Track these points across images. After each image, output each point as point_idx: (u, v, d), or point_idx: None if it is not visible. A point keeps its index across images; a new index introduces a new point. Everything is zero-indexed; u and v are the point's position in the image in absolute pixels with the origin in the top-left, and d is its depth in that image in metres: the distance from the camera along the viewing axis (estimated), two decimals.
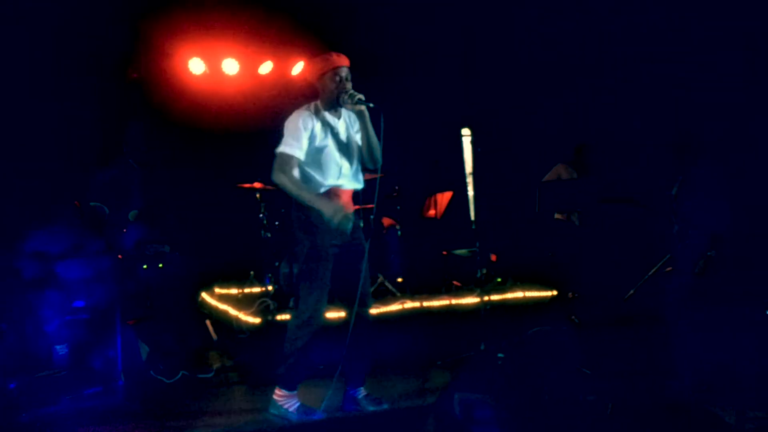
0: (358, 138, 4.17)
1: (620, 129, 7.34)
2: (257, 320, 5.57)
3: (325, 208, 3.90)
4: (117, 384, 4.58)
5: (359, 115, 4.02)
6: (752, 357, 4.30)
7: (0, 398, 4.33)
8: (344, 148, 4.12)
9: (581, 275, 6.46)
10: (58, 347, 4.96)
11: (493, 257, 7.11)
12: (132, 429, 4.09)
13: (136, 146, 6.33)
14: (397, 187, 6.91)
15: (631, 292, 6.09)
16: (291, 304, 5.86)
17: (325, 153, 4.04)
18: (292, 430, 3.96)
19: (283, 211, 6.55)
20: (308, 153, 4.01)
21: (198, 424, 4.14)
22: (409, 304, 5.97)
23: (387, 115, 4.00)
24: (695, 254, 4.74)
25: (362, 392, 4.21)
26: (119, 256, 5.49)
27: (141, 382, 4.76)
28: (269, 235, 6.65)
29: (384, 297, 6.19)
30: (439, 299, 6.13)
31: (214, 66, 8.02)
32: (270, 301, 5.94)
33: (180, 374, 4.95)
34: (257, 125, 7.83)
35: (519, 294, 6.39)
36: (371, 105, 3.97)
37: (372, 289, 4.78)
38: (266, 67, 8.30)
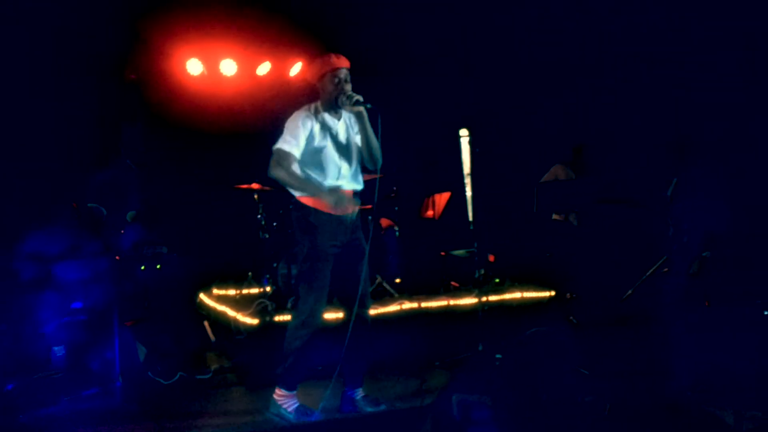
0: (358, 139, 4.17)
1: (620, 129, 7.34)
2: (255, 321, 5.56)
3: (326, 196, 3.94)
4: (115, 385, 4.57)
5: (358, 116, 4.04)
6: (750, 357, 4.30)
7: None
8: (343, 149, 4.13)
9: (579, 276, 6.46)
10: (55, 348, 4.96)
11: (491, 258, 7.10)
12: (130, 430, 4.09)
13: (133, 147, 6.35)
14: (395, 188, 6.91)
15: (629, 292, 6.09)
16: (289, 304, 5.85)
17: (325, 154, 4.05)
18: (290, 431, 3.95)
19: (281, 212, 6.55)
20: (307, 153, 4.02)
21: (196, 425, 4.13)
22: (407, 305, 5.97)
23: (385, 116, 4.01)
24: (690, 255, 4.74)
25: (360, 393, 4.21)
26: (117, 257, 5.49)
27: (139, 383, 4.75)
28: (267, 236, 6.65)
29: (382, 298, 6.19)
30: (437, 300, 6.12)
31: (212, 67, 8.02)
32: (268, 302, 5.93)
33: (178, 375, 4.95)
34: (255, 126, 7.83)
35: (517, 295, 6.38)
36: (369, 106, 3.98)
37: (370, 290, 4.78)
38: (264, 68, 8.30)
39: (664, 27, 6.93)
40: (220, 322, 6.11)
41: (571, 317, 6.03)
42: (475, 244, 5.43)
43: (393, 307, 5.90)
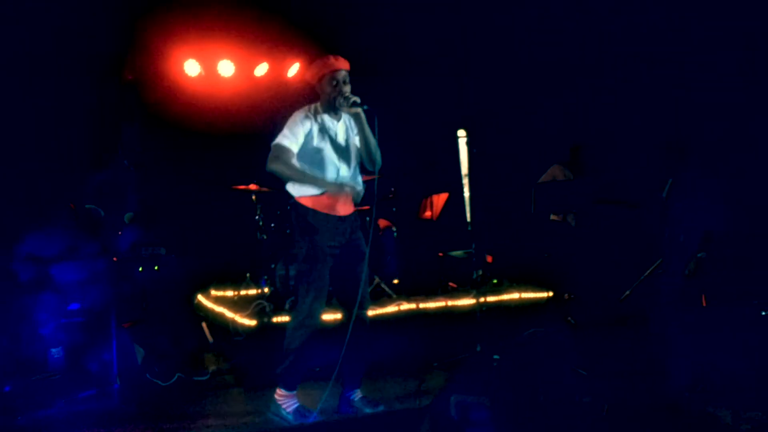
0: (357, 140, 4.18)
1: (620, 129, 7.34)
2: (253, 322, 5.55)
3: (328, 184, 3.98)
4: (112, 387, 4.57)
5: (356, 117, 4.05)
6: (748, 357, 4.30)
7: None
8: (342, 150, 4.13)
9: (577, 276, 6.46)
10: (53, 350, 4.95)
11: (489, 259, 7.11)
12: None
13: (131, 148, 6.34)
14: (393, 189, 6.91)
15: (627, 293, 6.10)
16: (287, 305, 5.85)
17: (323, 154, 4.06)
18: None
19: (278, 213, 6.54)
20: (306, 154, 4.03)
21: (194, 426, 4.13)
22: (405, 306, 5.97)
23: (383, 117, 4.01)
24: (687, 255, 4.75)
25: (358, 394, 4.21)
26: (114, 259, 5.48)
27: (136, 385, 4.75)
28: (265, 236, 6.65)
29: (380, 299, 6.18)
30: (435, 301, 6.12)
31: (209, 68, 8.01)
32: (266, 303, 5.92)
33: (176, 377, 4.94)
34: (253, 127, 7.82)
35: (515, 295, 6.38)
36: (365, 107, 3.98)
37: (368, 291, 4.78)
38: (262, 69, 8.30)
39: (664, 27, 6.94)
40: (218, 324, 6.10)
41: (569, 318, 6.03)
42: (473, 245, 5.44)
43: (391, 308, 5.90)
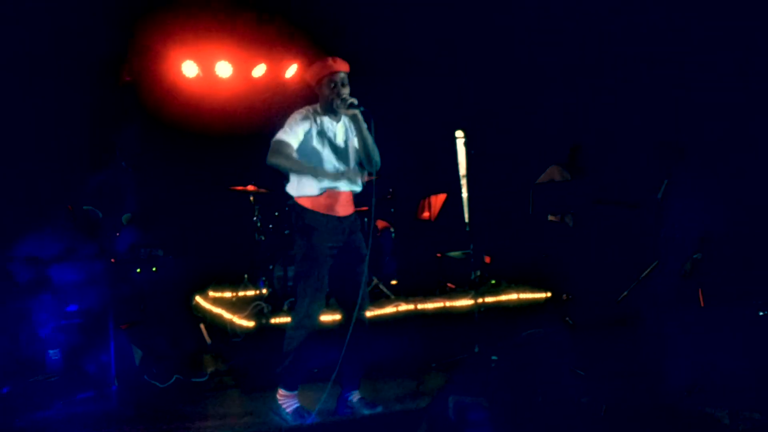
0: (356, 141, 4.18)
1: (620, 129, 7.35)
2: (251, 323, 5.55)
3: (326, 173, 4.00)
4: (110, 389, 4.56)
5: (353, 119, 4.08)
6: (746, 357, 4.31)
7: None
8: (341, 151, 4.14)
9: (575, 277, 6.46)
10: (51, 352, 4.95)
11: (487, 259, 7.11)
12: None
13: (129, 149, 6.33)
14: (391, 190, 6.91)
15: (625, 293, 6.10)
16: (285, 307, 5.85)
17: (322, 155, 4.07)
18: None
19: (276, 214, 6.54)
20: (305, 154, 4.04)
21: (192, 428, 4.13)
22: (404, 307, 5.97)
23: (381, 118, 4.02)
24: (683, 256, 4.76)
25: (356, 395, 4.21)
26: (112, 260, 5.48)
27: (134, 386, 4.74)
28: (263, 238, 6.65)
29: (378, 299, 6.18)
30: (433, 301, 6.12)
31: (207, 69, 8.01)
32: (264, 305, 5.92)
33: (174, 378, 4.94)
34: (251, 128, 7.81)
35: (513, 296, 6.38)
36: (362, 109, 3.99)
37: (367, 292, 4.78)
38: (260, 70, 8.29)
39: (664, 27, 6.94)
40: (216, 325, 6.10)
41: (568, 318, 6.04)
42: (471, 246, 5.43)
43: (389, 309, 5.90)
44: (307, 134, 4.03)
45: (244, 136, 7.80)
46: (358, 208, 4.29)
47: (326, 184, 4.06)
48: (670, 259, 4.92)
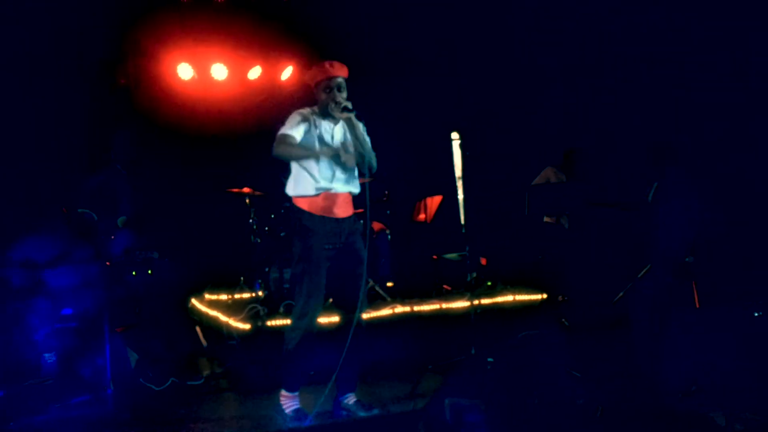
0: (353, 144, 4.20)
1: (620, 129, 7.35)
2: (247, 326, 5.54)
3: (325, 151, 4.03)
4: (106, 392, 4.55)
5: (348, 123, 4.08)
6: (741, 358, 4.32)
7: None
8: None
9: (571, 278, 6.47)
10: (46, 355, 4.93)
11: (483, 261, 7.11)
12: None
13: (124, 152, 6.31)
14: (386, 192, 6.92)
15: (621, 294, 6.10)
16: (281, 309, 5.84)
17: (319, 156, 4.07)
18: None
19: (272, 216, 6.54)
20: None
21: (188, 431, 4.12)
22: (400, 309, 5.97)
23: (378, 119, 4.05)
24: (678, 258, 4.76)
25: (353, 398, 4.21)
26: (107, 263, 5.46)
27: (130, 389, 4.73)
28: (259, 240, 6.64)
29: (374, 302, 6.18)
30: (429, 303, 6.12)
31: (202, 71, 8.00)
32: (260, 307, 5.91)
33: (169, 381, 4.93)
34: (246, 130, 7.82)
35: (509, 297, 6.39)
36: (354, 113, 4.02)
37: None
38: (255, 73, 8.29)
39: (664, 27, 6.95)
40: (212, 328, 6.09)
41: (563, 320, 6.04)
42: (467, 248, 5.43)
43: (385, 311, 5.90)
44: (306, 134, 4.07)
45: (240, 138, 7.81)
46: (354, 210, 4.30)
47: (322, 184, 4.08)
48: (665, 260, 4.92)
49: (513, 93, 7.97)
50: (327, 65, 4.10)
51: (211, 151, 7.78)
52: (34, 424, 4.24)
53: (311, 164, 4.07)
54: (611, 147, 7.28)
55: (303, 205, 4.10)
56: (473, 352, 4.87)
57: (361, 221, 4.21)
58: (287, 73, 8.38)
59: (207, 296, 7.02)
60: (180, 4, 7.81)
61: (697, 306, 5.38)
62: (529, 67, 7.96)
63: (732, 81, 6.48)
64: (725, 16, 6.44)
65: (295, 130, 4.02)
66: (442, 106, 8.24)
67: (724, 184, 6.04)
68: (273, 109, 7.98)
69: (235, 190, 6.59)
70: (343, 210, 4.16)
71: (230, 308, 6.26)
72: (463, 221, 6.78)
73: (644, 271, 5.68)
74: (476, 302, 5.66)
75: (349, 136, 4.20)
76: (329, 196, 4.10)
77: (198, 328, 6.00)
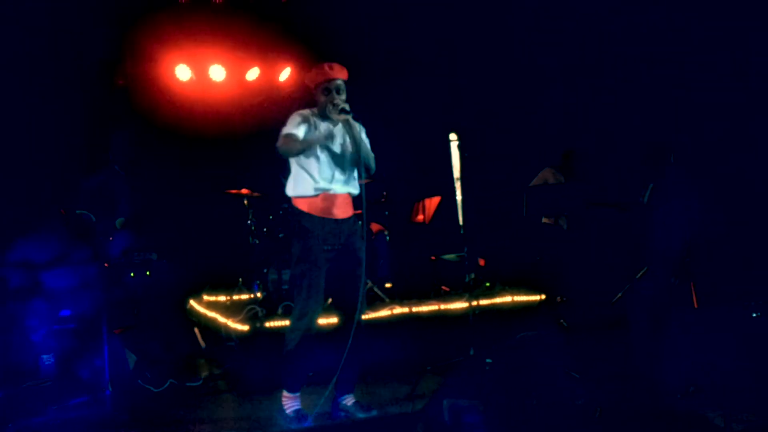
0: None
1: (619, 130, 7.35)
2: (246, 327, 5.54)
3: (323, 137, 4.06)
4: (104, 393, 4.54)
5: (345, 125, 4.08)
6: (739, 359, 4.32)
7: None
8: (337, 154, 4.16)
9: (570, 279, 6.47)
10: (44, 357, 4.92)
11: (482, 262, 7.11)
12: None
13: (122, 153, 6.31)
14: (385, 193, 6.91)
15: (619, 295, 6.11)
16: (280, 310, 5.84)
17: (319, 158, 4.09)
18: None
19: (271, 217, 6.53)
20: (303, 155, 4.08)
21: None
22: (398, 310, 5.96)
23: (376, 119, 4.05)
24: (676, 258, 4.76)
25: (351, 399, 4.22)
26: (106, 264, 5.46)
27: (128, 391, 4.73)
28: (257, 241, 6.63)
29: (373, 303, 6.18)
30: (427, 304, 6.12)
31: (200, 72, 8.00)
32: (258, 308, 5.91)
33: (168, 383, 4.93)
34: (244, 131, 7.82)
35: (507, 298, 6.38)
36: (352, 115, 4.02)
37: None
38: (253, 74, 8.29)
39: (664, 27, 6.95)
40: (211, 329, 6.08)
41: (562, 321, 6.04)
42: (466, 249, 5.42)
43: (384, 312, 5.89)
44: (307, 134, 4.08)
45: (238, 139, 7.81)
46: (355, 212, 4.30)
47: (321, 185, 4.09)
48: (664, 260, 4.92)
49: (513, 93, 7.97)
50: (326, 67, 4.12)
51: (209, 152, 7.77)
52: (32, 426, 4.23)
53: (311, 165, 4.08)
54: (611, 147, 7.28)
55: (302, 206, 4.11)
56: (472, 353, 4.87)
57: (360, 222, 4.21)
58: (285, 74, 8.37)
59: (205, 297, 7.02)
60: (178, 5, 7.81)
61: (696, 306, 5.38)
62: (529, 67, 7.96)
63: (732, 81, 6.49)
64: (725, 16, 6.44)
65: (296, 129, 4.04)
66: (441, 106, 8.24)
67: (724, 184, 6.04)
68: (271, 110, 7.98)
69: (234, 191, 6.59)
70: (343, 211, 4.16)
71: (228, 309, 6.26)
72: (461, 222, 6.78)
73: (642, 272, 5.68)
74: (475, 303, 5.66)
75: (348, 138, 4.21)
76: (328, 197, 4.11)
77: (196, 330, 6.00)
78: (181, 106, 7.95)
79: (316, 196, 4.09)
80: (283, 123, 4.10)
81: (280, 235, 6.30)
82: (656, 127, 6.86)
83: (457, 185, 7.50)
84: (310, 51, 7.78)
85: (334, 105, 4.04)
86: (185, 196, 7.65)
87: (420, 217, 7.80)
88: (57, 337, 5.01)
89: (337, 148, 4.16)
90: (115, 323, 5.02)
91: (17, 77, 6.68)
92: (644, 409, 3.99)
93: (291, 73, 8.35)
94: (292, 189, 4.16)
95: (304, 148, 4.03)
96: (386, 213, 7.03)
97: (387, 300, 6.29)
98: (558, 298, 6.51)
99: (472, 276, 5.69)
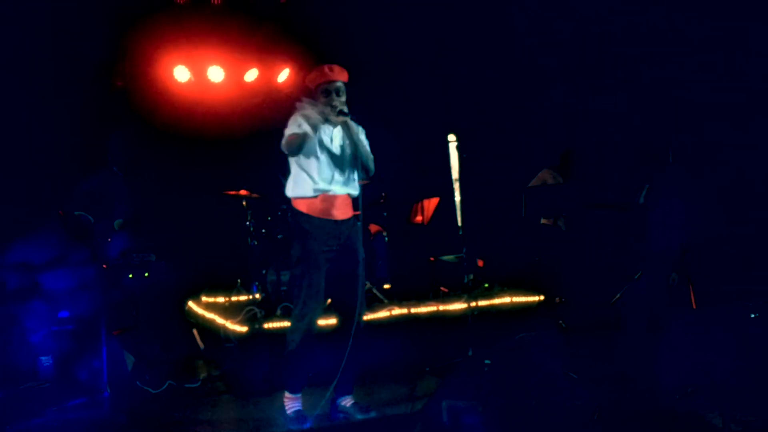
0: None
1: (619, 130, 7.34)
2: (244, 329, 5.53)
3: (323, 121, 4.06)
4: (102, 395, 4.53)
5: (344, 127, 4.09)
6: (737, 360, 4.32)
7: None
8: (337, 156, 4.17)
9: (568, 280, 6.47)
10: (42, 358, 4.92)
11: (480, 263, 7.10)
12: None
13: (120, 154, 6.30)
14: (383, 194, 6.91)
15: (618, 296, 6.11)
16: (278, 312, 5.83)
17: (319, 159, 4.10)
18: None
19: (269, 218, 6.53)
20: (303, 156, 4.09)
21: None
22: (397, 311, 5.96)
23: (374, 120, 4.05)
24: (671, 260, 4.77)
25: (350, 400, 4.22)
26: (104, 266, 5.45)
27: (127, 392, 4.72)
28: (256, 242, 6.63)
29: (371, 304, 6.17)
30: (426, 305, 6.11)
31: (199, 74, 7.99)
32: (257, 310, 5.90)
33: (166, 384, 4.92)
34: (243, 132, 7.81)
35: (506, 299, 6.38)
36: (350, 117, 4.03)
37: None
38: (252, 75, 8.28)
39: (664, 27, 6.95)
40: (209, 330, 6.08)
41: (561, 321, 6.04)
42: (464, 249, 5.43)
43: (382, 313, 5.89)
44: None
45: (237, 140, 7.79)
46: (354, 212, 4.30)
47: (321, 186, 4.10)
48: (662, 260, 4.92)
49: (512, 93, 7.96)
50: (326, 69, 4.12)
51: (207, 154, 7.76)
52: (30, 428, 4.23)
53: (310, 166, 4.09)
54: (611, 147, 7.27)
55: (302, 207, 4.12)
56: (470, 353, 4.87)
57: (359, 223, 4.22)
58: (284, 75, 8.36)
59: (204, 299, 7.01)
60: (177, 6, 7.80)
61: (695, 306, 5.39)
62: (529, 67, 7.95)
63: (732, 81, 6.48)
64: (725, 16, 6.44)
65: (297, 129, 4.04)
66: (441, 107, 8.24)
67: (724, 184, 6.04)
68: (270, 111, 7.97)
69: (232, 192, 6.58)
70: (342, 212, 4.17)
71: (227, 311, 6.25)
72: (460, 223, 6.78)
73: (640, 274, 5.68)
74: (473, 304, 5.66)
75: (348, 140, 4.21)
76: (328, 198, 4.12)
77: (195, 331, 5.99)
78: (179, 107, 7.94)
79: (315, 197, 4.10)
80: (283, 124, 4.09)
81: (279, 237, 6.29)
82: (656, 127, 6.85)
83: (456, 186, 7.51)
84: (309, 52, 7.78)
85: (333, 107, 4.04)
86: (184, 198, 7.65)
87: (419, 218, 7.80)
88: (55, 339, 5.01)
89: (336, 149, 4.17)
90: (113, 324, 5.00)
91: (17, 77, 6.67)
92: (643, 409, 3.99)
93: (290, 74, 8.35)
94: (291, 190, 4.17)
95: (304, 141, 4.02)
96: (385, 214, 7.02)
97: (385, 301, 6.29)
98: (557, 299, 6.51)
99: (471, 277, 5.70)
